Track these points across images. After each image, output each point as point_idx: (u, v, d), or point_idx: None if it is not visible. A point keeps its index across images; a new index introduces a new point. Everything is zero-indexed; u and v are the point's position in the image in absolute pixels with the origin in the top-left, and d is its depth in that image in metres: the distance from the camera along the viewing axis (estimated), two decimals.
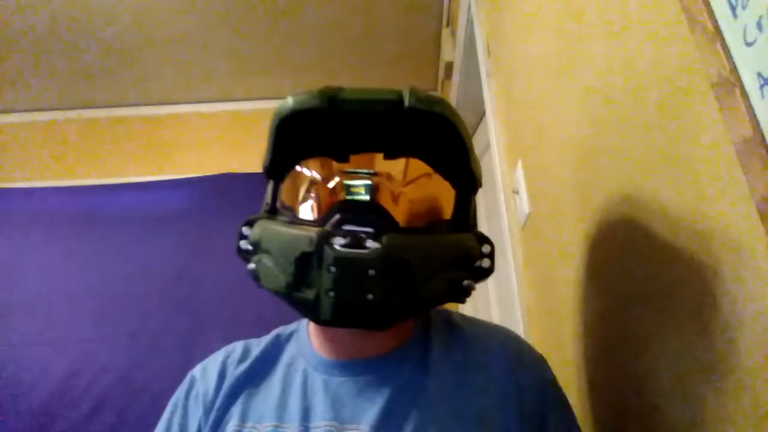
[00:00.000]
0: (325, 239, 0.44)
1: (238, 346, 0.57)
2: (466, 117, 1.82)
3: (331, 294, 0.43)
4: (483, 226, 1.81)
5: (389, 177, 0.53)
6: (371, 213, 0.48)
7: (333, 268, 0.43)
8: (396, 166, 0.53)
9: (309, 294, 0.45)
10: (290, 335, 0.58)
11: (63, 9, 1.85)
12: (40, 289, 1.89)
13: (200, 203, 2.06)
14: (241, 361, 0.55)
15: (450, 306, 0.51)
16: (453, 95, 1.82)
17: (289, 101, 0.49)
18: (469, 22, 1.42)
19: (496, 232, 1.66)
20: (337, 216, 0.47)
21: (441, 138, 0.49)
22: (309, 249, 0.44)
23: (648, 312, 0.46)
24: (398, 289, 0.45)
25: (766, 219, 0.29)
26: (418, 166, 0.53)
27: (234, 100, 2.40)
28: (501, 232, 1.15)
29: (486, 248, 0.54)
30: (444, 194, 0.54)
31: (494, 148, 1.19)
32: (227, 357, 0.56)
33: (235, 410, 0.50)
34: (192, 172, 2.15)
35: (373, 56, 2.16)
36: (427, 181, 0.53)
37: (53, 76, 2.19)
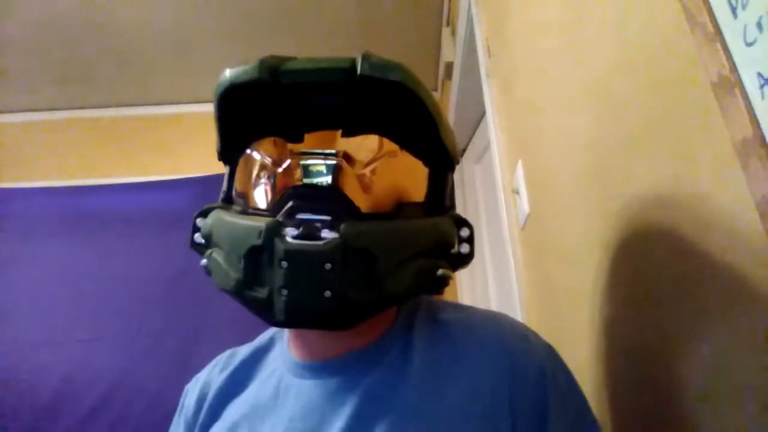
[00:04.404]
0: (275, 230, 0.39)
1: (225, 354, 0.56)
2: (466, 117, 1.82)
3: (284, 292, 0.38)
4: (483, 226, 1.81)
5: (349, 157, 0.46)
6: (328, 199, 0.43)
7: (284, 263, 0.38)
8: (357, 145, 0.46)
9: (261, 293, 0.40)
10: (274, 337, 0.55)
11: (63, 8, 1.85)
12: (40, 288, 1.89)
13: (200, 203, 2.05)
14: (223, 369, 0.52)
15: (452, 299, 0.49)
16: (453, 95, 1.82)
17: (226, 74, 0.43)
18: (469, 22, 1.42)
19: (496, 232, 1.66)
20: (290, 203, 0.42)
21: (405, 109, 0.43)
22: (258, 242, 0.39)
23: (651, 313, 0.46)
24: (360, 283, 0.39)
25: (766, 219, 0.29)
26: (382, 143, 0.46)
27: None
28: (501, 232, 1.15)
29: (464, 232, 0.48)
30: (414, 173, 0.48)
31: (494, 148, 1.19)
32: (214, 367, 0.54)
33: (217, 427, 0.48)
34: (192, 172, 2.14)
35: None
36: (393, 159, 0.47)
37: (53, 76, 2.18)
